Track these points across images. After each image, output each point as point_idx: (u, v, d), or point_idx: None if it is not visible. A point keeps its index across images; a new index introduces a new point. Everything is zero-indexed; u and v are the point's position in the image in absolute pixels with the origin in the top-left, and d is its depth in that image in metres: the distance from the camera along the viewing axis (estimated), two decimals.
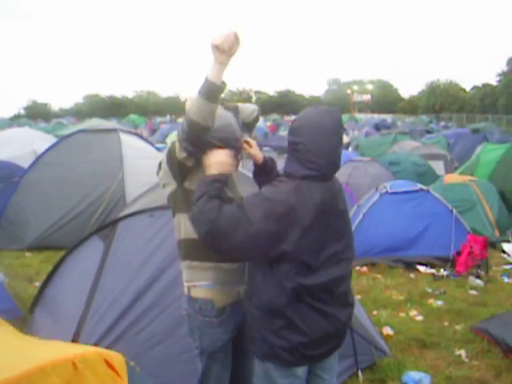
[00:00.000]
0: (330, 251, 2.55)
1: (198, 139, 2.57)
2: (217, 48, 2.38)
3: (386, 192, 7.93)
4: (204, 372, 2.89)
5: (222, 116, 2.72)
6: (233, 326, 2.85)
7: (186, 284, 2.86)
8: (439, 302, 6.17)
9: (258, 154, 2.91)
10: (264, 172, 2.94)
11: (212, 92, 2.42)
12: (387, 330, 5.26)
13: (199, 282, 2.80)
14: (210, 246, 2.48)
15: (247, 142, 2.88)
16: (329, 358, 2.73)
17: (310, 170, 2.50)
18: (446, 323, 5.55)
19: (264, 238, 2.41)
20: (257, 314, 2.59)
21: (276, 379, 2.61)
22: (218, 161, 2.64)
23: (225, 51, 2.39)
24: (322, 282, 2.51)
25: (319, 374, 2.76)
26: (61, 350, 2.06)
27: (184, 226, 2.80)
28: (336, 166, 2.62)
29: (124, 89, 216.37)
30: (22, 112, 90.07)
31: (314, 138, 2.51)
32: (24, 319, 4.77)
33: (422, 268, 7.42)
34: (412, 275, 7.25)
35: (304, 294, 2.50)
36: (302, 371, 2.64)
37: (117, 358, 2.08)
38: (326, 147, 2.53)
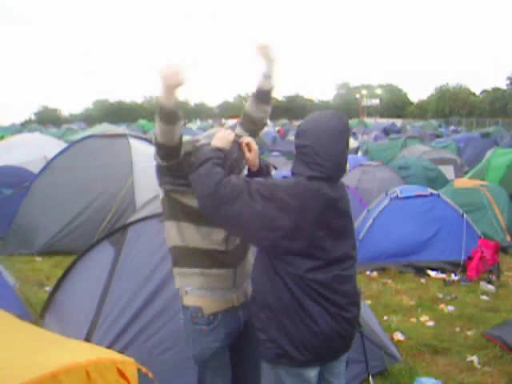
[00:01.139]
0: (332, 249, 2.55)
1: (171, 160, 2.66)
2: (159, 76, 2.42)
3: (396, 197, 7.89)
4: (199, 381, 2.91)
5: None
6: (224, 334, 2.84)
7: (179, 292, 2.90)
8: (450, 308, 6.13)
9: (255, 158, 2.87)
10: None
11: (163, 114, 2.47)
12: (398, 336, 5.22)
13: (188, 287, 2.83)
14: (207, 209, 2.52)
15: (248, 145, 2.83)
16: (338, 362, 2.73)
17: (317, 172, 2.52)
18: (458, 329, 5.51)
19: (259, 219, 2.43)
20: (263, 315, 2.58)
21: None
22: (221, 136, 2.72)
23: (166, 82, 2.41)
24: (324, 279, 2.51)
25: (329, 379, 2.75)
26: (75, 355, 2.06)
27: (172, 234, 2.87)
28: (343, 169, 2.64)
29: (133, 94, 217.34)
30: (33, 117, 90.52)
31: (322, 141, 2.53)
32: (35, 324, 4.77)
33: (432, 273, 7.37)
34: (423, 280, 7.21)
35: (308, 291, 2.49)
36: (313, 375, 2.62)
37: (129, 365, 2.07)
38: (334, 150, 2.55)
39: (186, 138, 2.79)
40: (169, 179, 2.79)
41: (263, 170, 2.92)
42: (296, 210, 2.44)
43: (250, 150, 2.84)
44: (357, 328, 2.77)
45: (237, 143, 2.81)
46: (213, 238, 2.79)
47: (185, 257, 2.84)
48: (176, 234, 2.84)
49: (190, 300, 2.82)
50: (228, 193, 2.43)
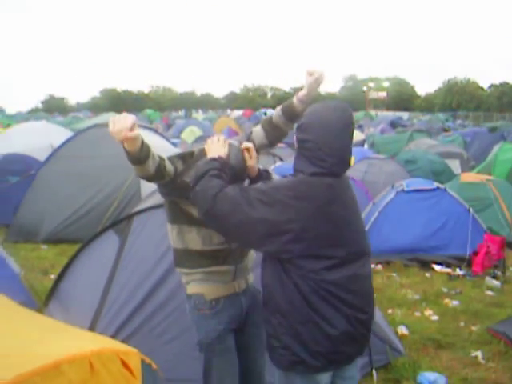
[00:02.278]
0: (345, 246, 2.46)
1: (157, 181, 2.72)
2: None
3: (403, 190, 7.85)
4: (205, 366, 2.92)
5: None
6: (228, 317, 2.88)
7: (183, 282, 2.97)
8: (455, 302, 6.11)
9: (255, 166, 2.84)
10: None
11: (129, 159, 2.47)
12: (402, 330, 5.21)
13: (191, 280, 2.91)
14: (210, 223, 2.49)
15: (248, 150, 2.80)
16: (350, 366, 2.61)
17: (320, 168, 2.42)
18: (462, 324, 5.49)
19: (263, 225, 2.36)
20: (275, 321, 2.49)
21: None
22: (215, 146, 2.68)
23: (114, 136, 2.36)
24: (338, 279, 2.40)
25: (339, 383, 2.64)
26: (78, 344, 2.05)
27: (171, 236, 2.93)
28: (347, 163, 2.53)
29: (140, 83, 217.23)
30: (40, 106, 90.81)
31: (325, 135, 2.42)
32: (39, 312, 4.79)
33: (437, 267, 7.34)
34: (427, 274, 7.19)
35: (322, 294, 2.39)
36: (326, 379, 2.53)
37: (133, 356, 2.06)
38: (337, 145, 2.44)
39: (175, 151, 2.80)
40: (166, 191, 2.85)
41: (263, 175, 2.87)
42: (299, 211, 2.36)
43: (250, 156, 2.80)
44: (371, 330, 2.63)
45: (236, 148, 2.77)
46: (214, 241, 2.83)
47: (185, 259, 2.89)
48: (176, 236, 2.89)
49: (193, 288, 2.88)
50: (225, 207, 2.37)
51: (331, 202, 2.42)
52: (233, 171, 2.65)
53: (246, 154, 2.79)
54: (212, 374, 2.90)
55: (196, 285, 2.87)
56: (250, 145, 2.83)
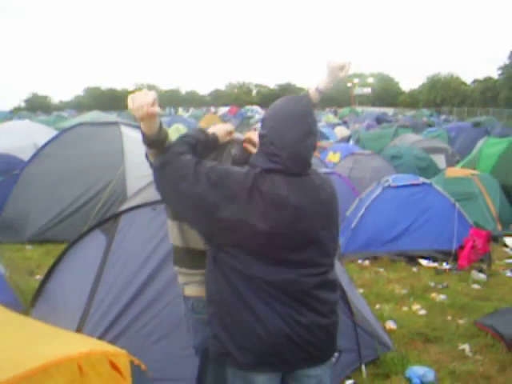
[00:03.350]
0: (282, 251, 2.29)
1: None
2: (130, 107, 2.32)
3: (389, 186, 7.89)
4: (200, 370, 2.89)
5: None
6: None
7: (180, 282, 2.90)
8: (442, 296, 6.15)
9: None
10: None
11: (146, 141, 2.42)
12: (390, 324, 5.24)
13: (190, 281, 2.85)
14: (155, 183, 2.42)
15: (249, 141, 2.78)
16: (306, 377, 2.41)
17: (274, 164, 2.29)
18: (449, 317, 5.53)
19: (201, 203, 2.25)
20: (210, 309, 2.42)
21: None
22: (220, 126, 2.76)
23: (135, 114, 2.30)
24: (273, 280, 2.27)
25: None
26: (66, 347, 2.03)
27: (173, 233, 2.87)
28: (303, 159, 2.34)
29: (124, 81, 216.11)
30: (23, 105, 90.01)
31: (276, 128, 2.32)
32: (25, 313, 4.74)
33: (424, 262, 7.39)
34: (414, 269, 7.23)
35: (255, 289, 2.27)
36: (262, 382, 2.36)
37: (122, 358, 2.04)
38: (288, 137, 2.29)
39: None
40: None
41: None
42: (243, 202, 2.23)
43: (253, 145, 2.75)
44: (323, 338, 2.39)
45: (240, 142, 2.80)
46: None
47: (185, 258, 2.83)
48: (177, 233, 2.83)
49: (191, 290, 2.82)
50: (174, 169, 2.31)
51: (279, 203, 2.26)
52: (237, 163, 2.67)
53: (249, 146, 2.77)
54: (207, 380, 2.88)
55: (196, 287, 2.79)
56: (249, 134, 2.82)
